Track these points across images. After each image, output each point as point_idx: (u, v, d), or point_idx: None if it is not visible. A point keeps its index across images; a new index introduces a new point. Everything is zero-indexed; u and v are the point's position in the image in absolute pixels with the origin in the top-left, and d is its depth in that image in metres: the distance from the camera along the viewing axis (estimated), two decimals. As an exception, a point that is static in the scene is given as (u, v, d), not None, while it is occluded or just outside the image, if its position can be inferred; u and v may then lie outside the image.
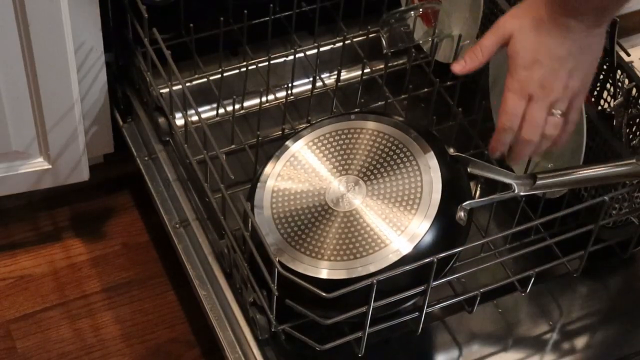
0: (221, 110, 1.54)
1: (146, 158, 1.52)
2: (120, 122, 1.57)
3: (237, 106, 1.49)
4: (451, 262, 1.21)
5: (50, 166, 1.51)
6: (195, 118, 1.37)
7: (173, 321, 1.53)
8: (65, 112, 1.44)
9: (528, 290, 1.30)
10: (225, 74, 1.51)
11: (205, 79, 1.56)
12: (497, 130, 1.16)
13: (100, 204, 1.66)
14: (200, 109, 1.39)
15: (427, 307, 1.22)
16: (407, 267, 1.15)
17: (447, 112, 1.50)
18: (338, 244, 1.20)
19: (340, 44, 1.57)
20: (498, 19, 1.17)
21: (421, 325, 1.24)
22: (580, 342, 1.35)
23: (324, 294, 1.12)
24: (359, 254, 1.19)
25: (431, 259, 1.14)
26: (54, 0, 1.31)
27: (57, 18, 1.33)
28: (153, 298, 1.55)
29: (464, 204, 1.20)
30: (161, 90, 1.46)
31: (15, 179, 1.51)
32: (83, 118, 1.49)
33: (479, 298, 1.26)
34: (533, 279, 1.29)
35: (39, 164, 1.51)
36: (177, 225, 1.43)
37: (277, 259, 1.15)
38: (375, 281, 1.12)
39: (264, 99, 1.53)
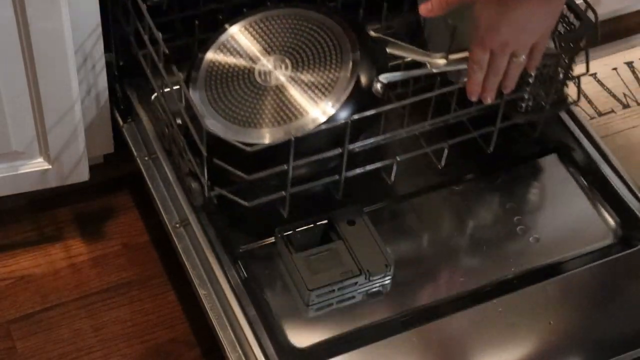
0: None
1: (146, 158, 1.52)
2: (120, 122, 1.57)
3: None
4: (366, 127, 1.33)
5: (50, 166, 1.51)
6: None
7: (173, 321, 1.53)
8: (65, 112, 1.44)
9: (443, 164, 1.43)
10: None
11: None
12: (468, 76, 1.28)
13: (100, 204, 1.66)
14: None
15: (346, 172, 1.35)
16: (324, 127, 1.30)
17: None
18: (264, 114, 1.34)
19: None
20: None
21: (341, 191, 1.37)
22: (580, 340, 1.35)
23: (248, 148, 1.25)
24: (283, 122, 1.32)
25: (346, 120, 1.28)
26: (54, 1, 1.31)
27: (57, 18, 1.33)
28: (153, 298, 1.55)
29: (380, 76, 1.33)
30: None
31: (15, 179, 1.51)
32: (83, 118, 1.49)
33: (395, 166, 1.39)
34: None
35: (39, 164, 1.51)
36: (177, 225, 1.43)
37: (204, 120, 1.28)
38: (293, 138, 1.25)
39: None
